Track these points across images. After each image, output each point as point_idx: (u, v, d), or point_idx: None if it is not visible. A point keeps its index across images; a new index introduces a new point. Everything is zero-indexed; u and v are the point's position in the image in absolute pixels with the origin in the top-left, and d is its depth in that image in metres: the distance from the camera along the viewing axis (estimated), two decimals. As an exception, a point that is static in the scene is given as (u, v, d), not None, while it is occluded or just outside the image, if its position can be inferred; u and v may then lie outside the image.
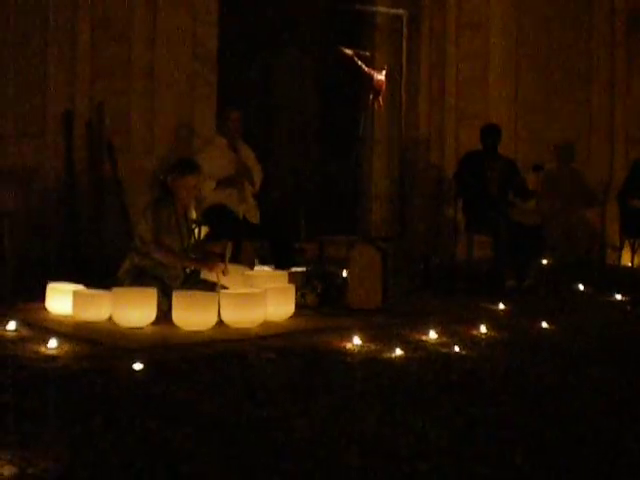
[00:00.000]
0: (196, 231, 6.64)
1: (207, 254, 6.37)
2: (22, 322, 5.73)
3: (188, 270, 6.43)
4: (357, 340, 5.49)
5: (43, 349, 5.07)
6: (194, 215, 6.57)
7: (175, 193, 6.34)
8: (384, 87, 8.03)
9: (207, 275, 6.35)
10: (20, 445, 3.39)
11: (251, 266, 7.02)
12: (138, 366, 4.66)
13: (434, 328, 5.87)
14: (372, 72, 8.05)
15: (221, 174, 7.48)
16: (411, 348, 5.45)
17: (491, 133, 8.48)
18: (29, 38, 8.08)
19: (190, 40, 8.80)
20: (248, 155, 7.76)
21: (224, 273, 6.26)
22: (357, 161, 9.55)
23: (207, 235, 6.97)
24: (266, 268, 7.09)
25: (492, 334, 6.02)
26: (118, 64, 8.46)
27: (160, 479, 3.13)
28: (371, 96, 8.09)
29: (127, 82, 8.49)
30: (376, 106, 8.16)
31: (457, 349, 5.49)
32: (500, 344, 5.76)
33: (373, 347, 5.45)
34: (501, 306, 7.07)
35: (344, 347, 5.42)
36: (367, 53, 8.34)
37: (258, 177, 7.76)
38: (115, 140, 8.32)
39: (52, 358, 4.89)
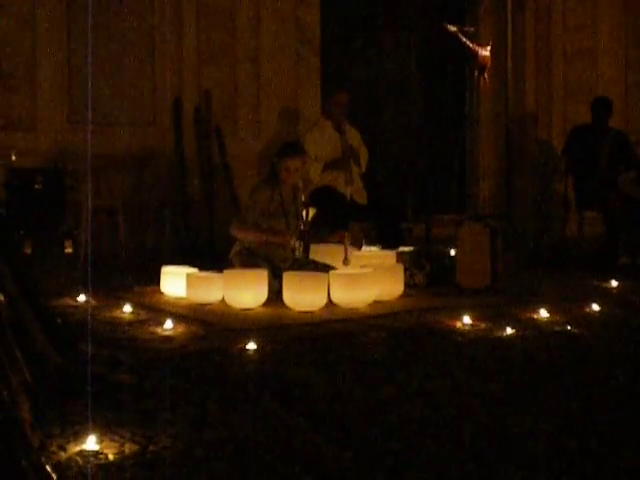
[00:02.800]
0: (304, 213, 6.71)
1: (279, 230, 6.37)
2: (138, 305, 5.91)
3: (297, 253, 6.50)
4: (467, 319, 5.46)
5: (159, 330, 5.22)
6: (302, 197, 6.63)
7: (280, 175, 6.40)
8: (489, 63, 7.91)
9: (283, 241, 6.35)
10: (140, 424, 3.50)
11: (359, 247, 7.04)
12: (251, 346, 4.75)
13: (545, 306, 5.79)
14: (477, 48, 7.93)
15: (328, 156, 7.53)
16: (522, 327, 5.38)
17: (602, 106, 8.29)
18: (137, 28, 8.27)
19: (293, 24, 8.87)
20: (354, 136, 7.78)
21: (345, 263, 6.30)
22: (463, 139, 9.45)
23: (315, 217, 7.05)
24: (374, 248, 7.10)
25: (605, 312, 5.90)
26: (224, 51, 8.59)
27: (276, 458, 3.18)
28: (476, 72, 7.98)
29: (233, 68, 8.62)
30: (481, 82, 8.05)
31: (569, 328, 5.40)
32: (614, 323, 5.64)
33: (483, 326, 5.41)
34: (614, 283, 6.92)
35: (454, 326, 5.40)
36: (471, 29, 8.23)
37: (364, 158, 7.78)
38: (223, 125, 8.47)
39: (168, 339, 5.03)
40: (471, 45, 7.93)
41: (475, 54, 7.93)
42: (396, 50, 9.84)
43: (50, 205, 7.03)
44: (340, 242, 6.43)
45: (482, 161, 9.88)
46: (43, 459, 2.94)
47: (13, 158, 7.26)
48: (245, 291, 5.92)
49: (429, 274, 6.73)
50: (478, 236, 6.67)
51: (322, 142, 7.55)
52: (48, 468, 2.88)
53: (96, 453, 3.16)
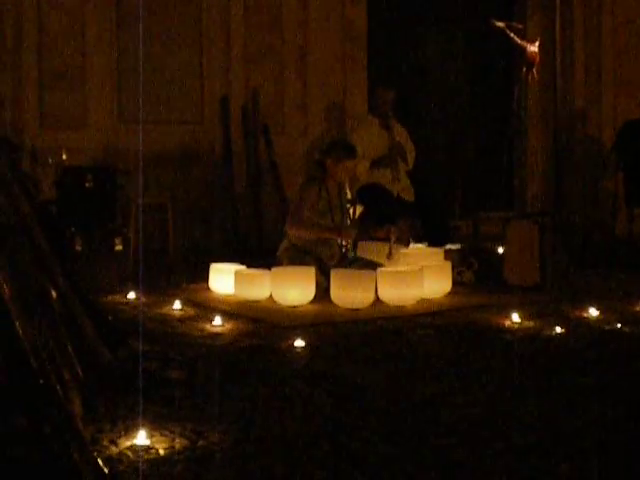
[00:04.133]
0: (351, 210, 6.72)
1: (339, 226, 6.37)
2: (187, 301, 5.97)
3: (344, 249, 6.51)
4: (516, 317, 5.43)
5: (208, 327, 5.26)
6: (349, 195, 6.64)
7: (331, 174, 6.40)
8: (537, 59, 7.85)
9: (347, 238, 6.36)
10: (190, 419, 3.53)
11: (406, 244, 7.03)
12: (299, 343, 4.77)
13: (595, 305, 5.73)
14: (525, 44, 7.88)
15: (375, 154, 7.52)
16: (571, 325, 5.34)
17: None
18: (185, 27, 8.34)
19: (340, 21, 8.88)
20: (401, 133, 7.76)
21: (389, 257, 6.30)
22: (511, 136, 9.38)
23: (361, 214, 7.05)
24: (421, 246, 7.09)
25: (657, 310, 5.82)
26: (271, 49, 8.63)
27: (325, 454, 3.19)
28: (524, 69, 7.93)
29: (280, 66, 8.66)
30: (530, 79, 7.99)
31: (619, 326, 5.34)
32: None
33: (532, 324, 5.37)
34: (665, 282, 6.83)
35: (503, 324, 5.37)
36: (519, 25, 8.17)
37: (411, 155, 7.75)
38: (270, 123, 8.51)
39: (217, 336, 5.07)
40: (519, 41, 7.87)
41: (523, 50, 7.87)
42: (443, 47, 9.79)
43: (100, 203, 7.11)
44: (385, 238, 6.42)
45: (530, 158, 9.80)
46: (95, 453, 2.98)
47: (64, 157, 7.36)
48: (293, 288, 5.94)
49: (477, 272, 6.70)
50: (527, 234, 6.63)
51: (369, 139, 7.54)
52: (100, 462, 2.92)
53: (147, 448, 3.20)
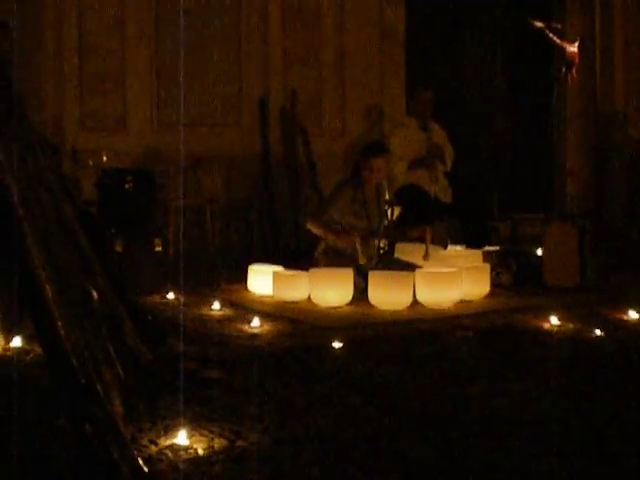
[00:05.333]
0: (389, 212, 6.71)
1: (348, 231, 6.37)
2: (226, 302, 5.99)
3: (382, 251, 6.51)
4: (554, 319, 5.38)
5: (246, 328, 5.29)
6: (387, 196, 6.63)
7: (364, 174, 6.40)
8: (577, 59, 7.78)
9: (342, 243, 6.33)
10: (229, 419, 3.56)
11: (444, 246, 7.01)
12: (337, 344, 4.78)
13: (635, 307, 5.67)
14: (564, 44, 7.82)
15: (413, 155, 7.52)
16: (611, 328, 5.29)
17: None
18: (224, 29, 8.39)
19: (378, 22, 8.88)
20: (439, 135, 7.75)
21: (425, 258, 6.28)
22: (551, 136, 9.32)
23: (399, 215, 7.03)
24: (459, 248, 7.06)
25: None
26: (309, 50, 8.65)
27: (363, 455, 3.20)
28: (564, 69, 7.87)
29: (318, 67, 8.68)
30: (569, 79, 7.93)
31: (661, 329, 5.29)
32: None
33: (571, 326, 5.33)
34: None
35: (541, 326, 5.34)
36: (558, 25, 8.11)
37: (450, 156, 7.74)
38: (308, 124, 8.52)
39: (255, 336, 5.09)
40: (558, 41, 7.81)
41: (563, 50, 7.82)
42: (481, 47, 9.75)
43: (140, 204, 7.18)
44: (421, 237, 6.41)
45: (570, 158, 9.72)
46: (135, 452, 3.01)
47: (104, 159, 7.44)
48: (331, 289, 5.95)
49: (516, 273, 6.65)
50: (566, 235, 6.58)
51: (407, 141, 7.54)
52: (140, 461, 2.95)
53: (186, 447, 3.23)
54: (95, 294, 3.95)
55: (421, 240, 6.38)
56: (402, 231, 6.58)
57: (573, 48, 7.75)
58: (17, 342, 4.50)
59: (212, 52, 8.35)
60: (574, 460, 3.14)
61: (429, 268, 6.21)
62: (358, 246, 6.20)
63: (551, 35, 7.76)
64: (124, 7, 8.15)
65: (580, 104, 9.61)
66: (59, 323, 2.97)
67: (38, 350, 4.12)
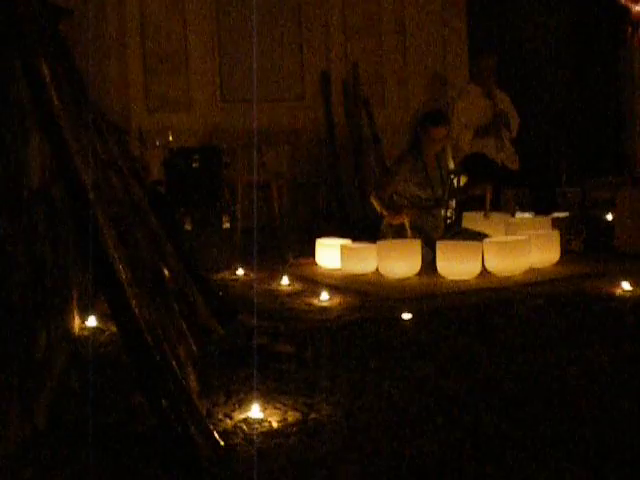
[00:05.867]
0: (455, 181, 6.68)
1: (394, 204, 6.34)
2: (295, 277, 6.04)
3: (448, 220, 6.49)
4: (626, 285, 5.31)
5: (316, 301, 5.32)
6: (452, 165, 6.60)
7: (424, 144, 6.37)
8: (644, 18, 7.63)
9: (392, 221, 6.32)
10: (301, 392, 3.60)
11: (512, 213, 6.95)
12: (406, 315, 4.79)
13: None
14: (629, 3, 7.66)
15: (478, 123, 7.45)
16: (686, 291, 5.21)
17: None
18: (284, 4, 8.39)
19: (438, -11, 8.78)
20: (504, 101, 7.66)
21: (485, 216, 6.26)
22: (619, 98, 9.14)
23: (466, 184, 7.00)
24: (527, 215, 6.99)
25: None
26: (369, 22, 8.60)
27: (437, 427, 3.21)
28: (630, 29, 7.71)
29: (379, 39, 8.63)
30: (635, 39, 7.77)
31: None
32: None
33: (644, 291, 5.26)
34: None
35: (613, 293, 5.27)
36: (625, -16, 7.95)
37: (515, 122, 7.65)
38: (371, 97, 8.50)
39: (325, 310, 5.13)
40: (623, 1, 7.66)
41: (628, 10, 7.66)
42: (545, 8, 9.58)
43: (207, 182, 7.26)
44: (482, 195, 6.37)
45: (638, 120, 9.51)
46: (211, 427, 3.07)
47: (170, 138, 7.53)
48: (399, 261, 5.95)
49: (586, 240, 6.57)
50: (638, 199, 6.46)
51: (472, 108, 7.47)
52: (216, 435, 3.01)
53: (260, 421, 3.28)
54: (167, 272, 4.02)
55: (482, 199, 6.34)
56: (464, 189, 6.55)
57: (639, 7, 7.60)
58: (92, 321, 4.60)
59: (273, 27, 8.36)
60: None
61: (497, 237, 6.17)
62: (406, 224, 6.19)
63: (617, -5, 7.61)
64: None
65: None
66: (133, 302, 3.03)
67: (113, 329, 4.21)
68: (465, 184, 6.68)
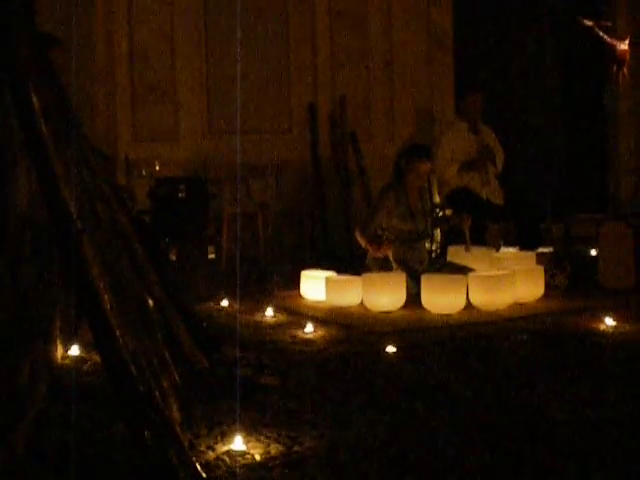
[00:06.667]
0: (440, 214, 6.70)
1: (378, 238, 6.36)
2: (279, 308, 6.03)
3: (434, 254, 6.50)
4: (610, 321, 5.33)
5: (300, 333, 5.31)
6: (437, 199, 6.62)
7: (407, 177, 6.40)
8: (628, 57, 7.69)
9: (375, 254, 6.34)
10: (285, 425, 3.58)
11: (497, 248, 6.98)
12: (391, 349, 4.78)
13: (694, 307, 5.60)
14: (614, 42, 7.73)
15: (463, 157, 7.49)
16: (669, 328, 5.23)
17: None
18: (272, 36, 8.44)
19: (425, 25, 8.87)
20: (489, 136, 7.71)
21: (467, 249, 6.29)
22: (603, 136, 9.22)
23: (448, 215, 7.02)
24: (512, 250, 7.01)
25: None
26: (357, 56, 8.67)
27: (419, 460, 3.20)
28: (614, 67, 7.78)
29: (366, 72, 8.69)
30: (620, 77, 7.84)
31: None
32: None
33: (628, 328, 5.26)
34: None
35: (597, 328, 5.28)
36: (608, 22, 8.02)
37: (500, 158, 7.70)
38: (357, 129, 8.53)
39: (309, 342, 5.11)
40: (608, 39, 7.73)
41: (613, 48, 7.73)
42: (530, 46, 9.68)
43: (193, 212, 7.25)
44: (459, 224, 6.40)
45: (623, 158, 9.60)
46: (193, 458, 3.05)
47: (157, 168, 7.53)
48: (383, 294, 5.96)
49: (570, 275, 6.59)
50: (621, 235, 6.51)
51: (458, 143, 7.52)
52: (198, 467, 2.99)
53: (243, 453, 3.26)
54: (151, 302, 4.01)
55: (460, 228, 6.38)
56: (445, 219, 6.57)
57: (623, 46, 7.67)
58: (75, 350, 4.57)
59: (261, 60, 8.40)
60: (632, 465, 3.11)
61: (482, 271, 6.19)
62: (389, 256, 6.22)
63: (601, 33, 7.68)
64: (173, 18, 8.25)
65: (632, 102, 9.50)
66: (117, 331, 3.01)
67: (95, 358, 4.19)
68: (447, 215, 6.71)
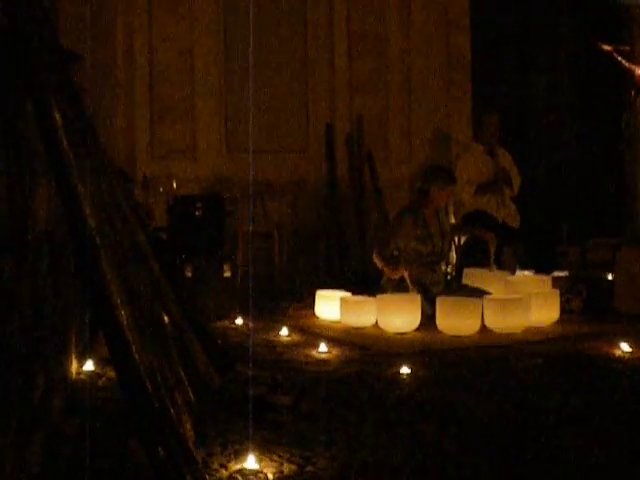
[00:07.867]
0: (456, 237, 6.70)
1: (395, 259, 6.37)
2: (294, 328, 6.02)
3: (449, 276, 6.49)
4: (626, 346, 5.30)
5: (314, 353, 5.31)
6: (453, 220, 6.63)
7: (432, 200, 6.41)
8: (647, 82, 7.71)
9: (391, 275, 6.35)
10: (298, 445, 3.57)
11: (512, 271, 6.96)
12: (405, 370, 4.77)
13: None
14: (633, 67, 7.75)
15: (480, 180, 7.50)
16: (685, 354, 5.19)
17: None
18: (290, 57, 8.49)
19: (444, 47, 8.88)
20: (506, 159, 7.71)
21: (490, 269, 6.29)
22: (620, 160, 9.20)
23: (466, 241, 7.02)
24: (527, 273, 7.00)
25: None
26: (375, 77, 8.69)
27: (433, 481, 3.20)
28: (633, 92, 7.79)
29: (384, 94, 8.70)
30: (638, 102, 7.84)
31: None
32: None
33: (643, 353, 5.25)
34: None
35: (612, 353, 5.26)
36: (627, 47, 8.04)
37: (516, 181, 7.69)
38: (374, 151, 8.55)
39: (323, 362, 5.11)
40: (627, 64, 7.75)
41: (631, 73, 7.75)
42: (548, 71, 9.69)
43: (209, 230, 7.27)
44: (485, 240, 6.40)
45: (640, 182, 9.57)
46: (206, 476, 3.04)
47: (174, 186, 7.56)
48: (398, 315, 5.95)
49: (585, 299, 6.57)
50: (638, 260, 6.48)
51: (474, 166, 7.52)
52: (211, 485, 2.99)
53: (256, 472, 3.25)
54: (167, 319, 4.01)
55: (483, 255, 6.37)
56: (468, 229, 6.57)
57: (642, 71, 7.68)
58: (89, 366, 4.58)
59: (279, 80, 8.45)
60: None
61: (497, 294, 6.17)
62: (406, 277, 6.22)
63: (619, 58, 7.70)
64: (193, 37, 8.30)
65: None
66: (133, 347, 3.02)
67: (110, 374, 4.20)
68: (467, 247, 6.71)
